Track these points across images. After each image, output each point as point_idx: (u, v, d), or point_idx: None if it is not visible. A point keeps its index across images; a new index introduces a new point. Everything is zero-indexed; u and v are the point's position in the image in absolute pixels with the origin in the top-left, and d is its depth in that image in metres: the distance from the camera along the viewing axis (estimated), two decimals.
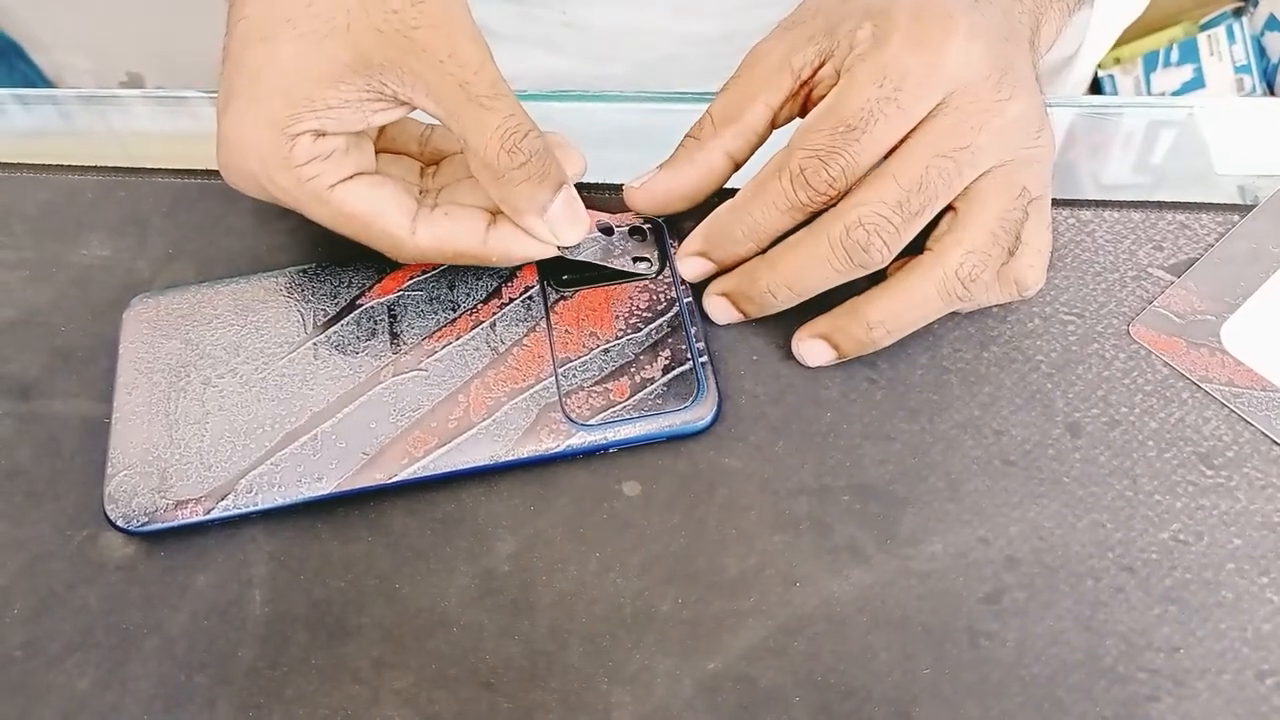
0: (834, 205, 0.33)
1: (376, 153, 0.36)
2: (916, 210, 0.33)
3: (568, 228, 0.35)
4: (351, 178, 0.34)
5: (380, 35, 0.32)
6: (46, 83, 1.29)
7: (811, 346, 0.36)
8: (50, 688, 0.32)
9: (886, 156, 0.33)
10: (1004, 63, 0.33)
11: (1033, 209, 0.34)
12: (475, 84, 0.32)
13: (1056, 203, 0.39)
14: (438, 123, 0.34)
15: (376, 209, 0.34)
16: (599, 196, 0.40)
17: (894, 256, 0.33)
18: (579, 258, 0.36)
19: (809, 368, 0.36)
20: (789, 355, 0.36)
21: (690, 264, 0.37)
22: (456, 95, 0.32)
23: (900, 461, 0.34)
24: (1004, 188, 0.33)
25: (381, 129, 0.37)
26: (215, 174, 0.35)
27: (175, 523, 0.33)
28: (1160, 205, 0.39)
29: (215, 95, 0.35)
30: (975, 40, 0.33)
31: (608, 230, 0.37)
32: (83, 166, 0.44)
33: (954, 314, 0.37)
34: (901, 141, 0.33)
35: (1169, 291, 0.37)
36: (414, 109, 0.34)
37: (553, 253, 0.36)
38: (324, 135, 0.33)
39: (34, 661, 0.33)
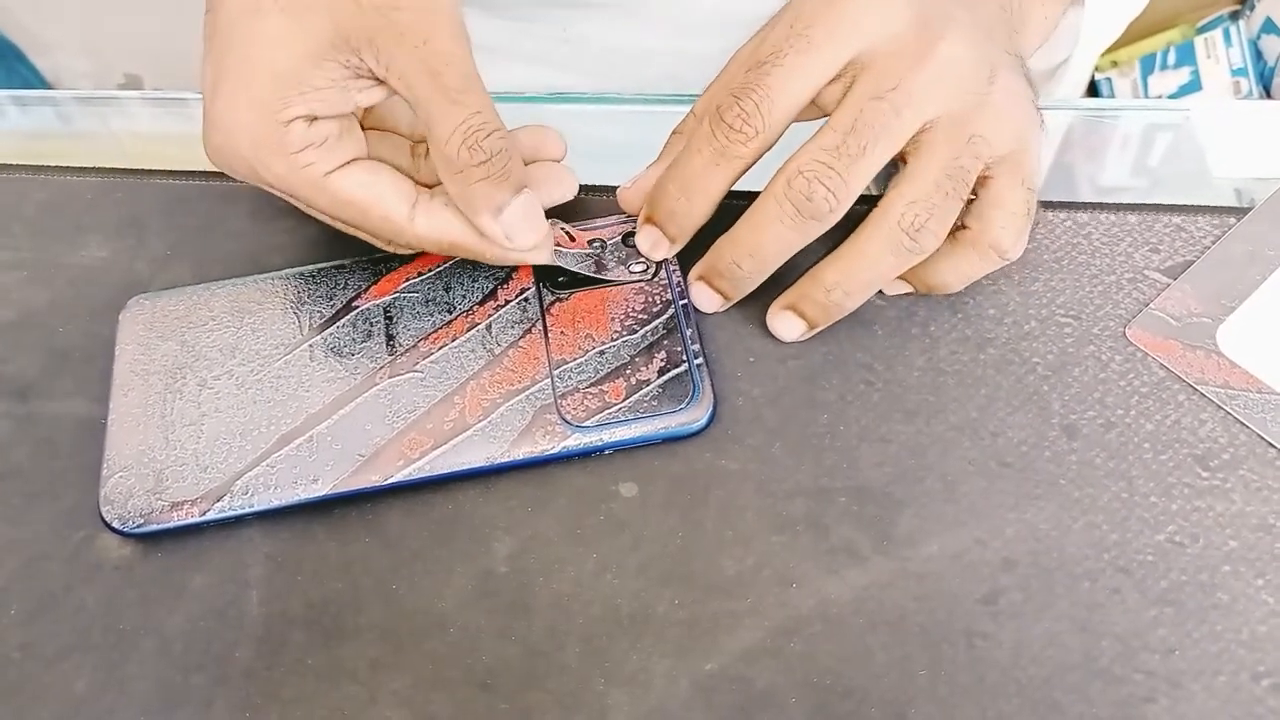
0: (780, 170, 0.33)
1: (364, 129, 0.36)
2: (855, 154, 0.32)
3: (523, 233, 0.34)
4: (348, 164, 0.34)
5: (360, 11, 0.31)
6: (45, 85, 1.29)
7: (782, 319, 0.36)
8: (47, 689, 0.32)
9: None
10: (930, 10, 0.33)
11: (1001, 168, 0.34)
12: (447, 75, 0.32)
13: (1053, 205, 0.39)
14: None
15: (375, 195, 0.34)
16: (595, 198, 0.40)
17: (844, 207, 0.33)
18: (574, 268, 0.36)
19: (806, 370, 0.36)
20: (786, 356, 0.36)
21: (642, 234, 0.37)
22: (426, 84, 0.32)
23: (897, 463, 0.34)
24: (950, 136, 0.33)
25: (369, 107, 0.36)
26: (214, 175, 0.35)
27: (171, 524, 0.33)
28: (1156, 208, 0.39)
29: None
30: None
31: (600, 244, 0.37)
32: (81, 168, 0.44)
33: (950, 315, 0.37)
34: (839, 100, 0.33)
35: (1165, 294, 0.37)
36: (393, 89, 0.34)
37: (545, 259, 0.36)
38: (316, 120, 0.33)
39: (31, 663, 0.33)
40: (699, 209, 0.35)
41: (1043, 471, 0.34)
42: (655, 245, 0.36)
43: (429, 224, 0.34)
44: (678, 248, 0.36)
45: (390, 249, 0.37)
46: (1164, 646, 0.31)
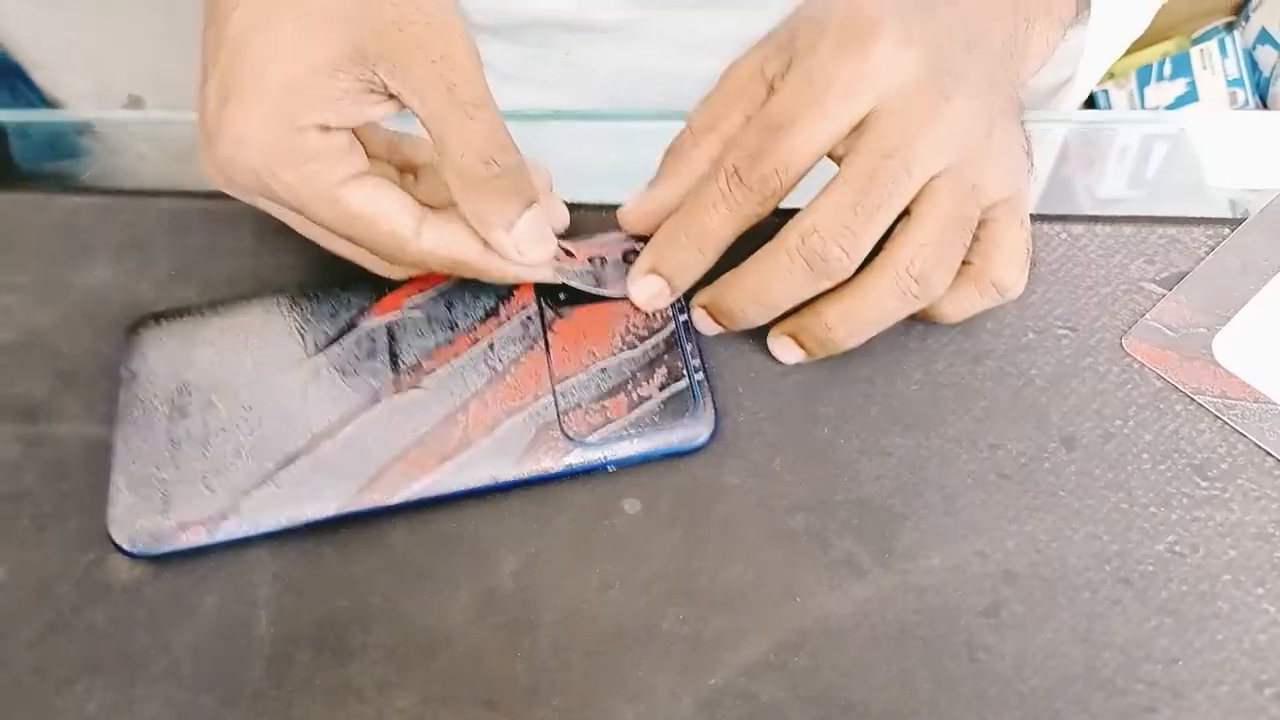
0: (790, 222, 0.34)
1: None
2: (870, 212, 0.33)
3: (533, 246, 0.35)
4: (356, 177, 0.34)
5: (377, 27, 0.31)
6: (47, 104, 1.30)
7: (781, 344, 0.36)
8: (59, 711, 0.32)
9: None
10: (941, 65, 0.33)
11: (1000, 211, 0.34)
12: (463, 90, 0.32)
13: (1049, 218, 0.39)
14: (408, 129, 0.34)
15: (385, 210, 0.34)
16: (596, 216, 0.40)
17: (856, 264, 0.33)
18: (576, 284, 0.37)
19: (806, 385, 0.36)
20: (786, 371, 0.37)
21: (640, 284, 0.36)
22: (442, 98, 0.32)
23: (896, 476, 0.35)
24: (954, 186, 0.33)
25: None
26: (218, 196, 0.35)
27: (179, 545, 0.33)
28: (1152, 219, 0.39)
29: None
30: (908, 46, 0.33)
31: (601, 261, 0.38)
32: (85, 188, 0.44)
33: (948, 329, 0.37)
34: (848, 153, 0.33)
35: (1161, 305, 0.37)
36: (404, 104, 0.33)
37: (547, 277, 0.36)
38: (329, 130, 0.33)
39: (43, 685, 0.33)
40: (710, 259, 0.35)
41: (1042, 483, 0.34)
42: (657, 297, 0.36)
43: (435, 239, 0.34)
44: (676, 296, 0.36)
45: (386, 272, 0.37)
46: (1166, 656, 0.31)
